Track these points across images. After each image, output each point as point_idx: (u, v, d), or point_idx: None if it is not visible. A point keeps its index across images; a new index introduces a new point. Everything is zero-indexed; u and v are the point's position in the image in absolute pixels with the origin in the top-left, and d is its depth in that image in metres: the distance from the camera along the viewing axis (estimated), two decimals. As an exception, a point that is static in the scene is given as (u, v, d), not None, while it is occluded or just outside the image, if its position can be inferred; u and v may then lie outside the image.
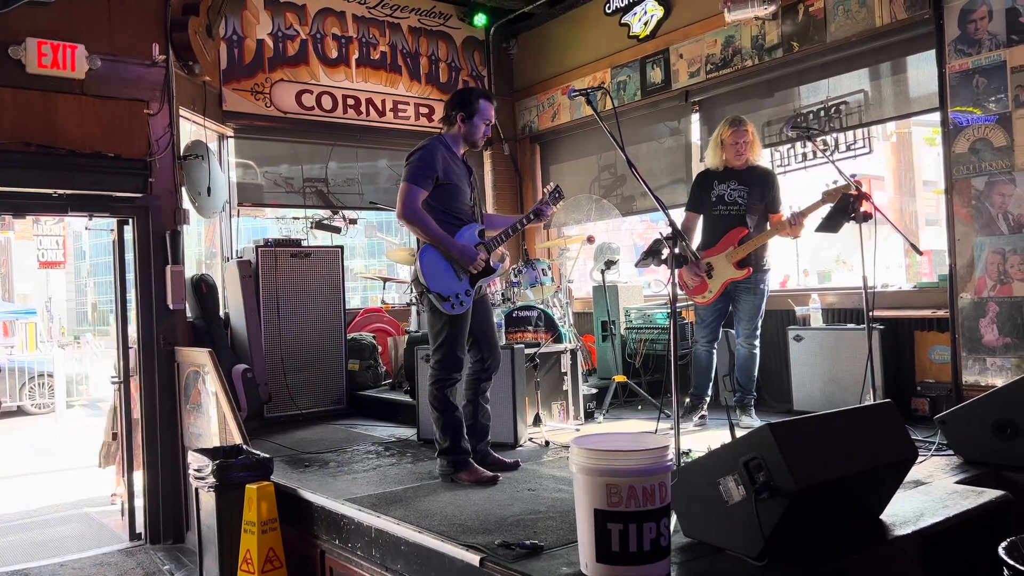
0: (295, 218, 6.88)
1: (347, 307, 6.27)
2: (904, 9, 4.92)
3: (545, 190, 4.09)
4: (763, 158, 5.03)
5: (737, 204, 4.73)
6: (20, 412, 12.30)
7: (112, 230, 5.30)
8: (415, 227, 3.68)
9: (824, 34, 5.35)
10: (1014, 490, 3.22)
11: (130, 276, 5.24)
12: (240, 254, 6.07)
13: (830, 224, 4.21)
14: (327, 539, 3.54)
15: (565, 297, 5.98)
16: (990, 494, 3.10)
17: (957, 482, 3.39)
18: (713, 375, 4.99)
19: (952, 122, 4.55)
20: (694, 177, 5.16)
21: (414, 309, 6.52)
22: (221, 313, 5.88)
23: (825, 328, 5.11)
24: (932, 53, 4.69)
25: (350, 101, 7.00)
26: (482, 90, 4.03)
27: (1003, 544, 2.31)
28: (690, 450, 3.77)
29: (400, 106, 7.27)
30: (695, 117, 6.45)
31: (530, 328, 5.53)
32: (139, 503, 5.17)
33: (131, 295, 5.24)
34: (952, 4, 4.55)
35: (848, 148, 5.39)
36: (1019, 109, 4.30)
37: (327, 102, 6.88)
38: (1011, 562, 2.23)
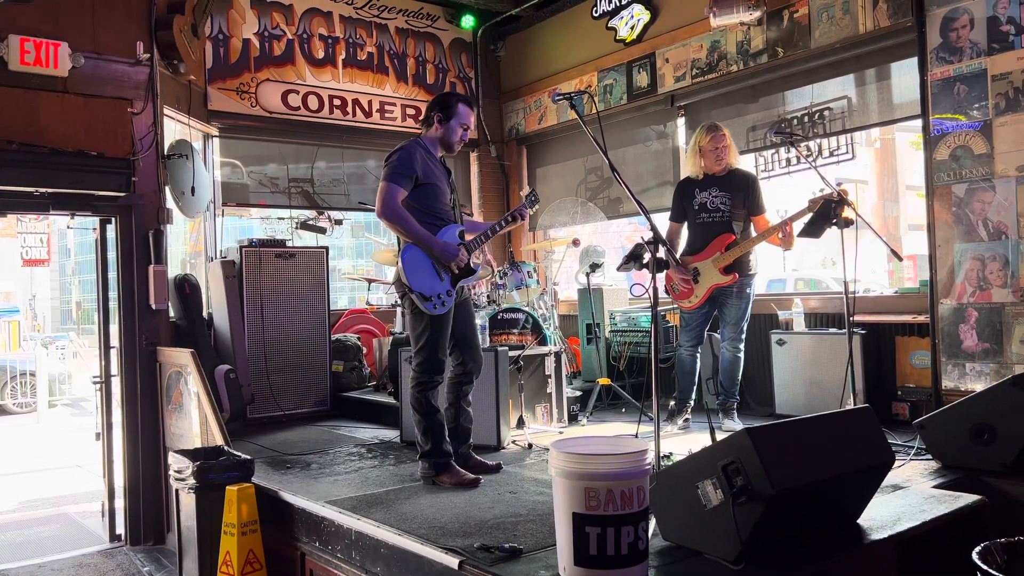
0: (280, 218, 6.86)
1: (332, 308, 6.25)
2: (887, 16, 4.96)
3: (521, 194, 4.15)
4: (743, 164, 5.06)
5: (720, 211, 4.76)
6: (1, 411, 12.19)
7: (95, 229, 5.26)
8: (395, 225, 3.68)
9: (808, 40, 5.39)
10: (991, 495, 3.25)
11: (112, 275, 5.20)
12: (224, 254, 6.05)
13: (812, 229, 4.24)
14: (307, 541, 3.53)
15: (550, 299, 5.99)
16: (967, 499, 3.12)
17: (935, 486, 3.42)
18: (697, 379, 5.01)
19: (934, 128, 4.59)
20: (676, 185, 5.17)
21: (399, 310, 6.50)
22: (204, 313, 5.86)
23: (807, 332, 5.15)
24: (915, 60, 4.73)
25: (336, 102, 6.98)
26: (463, 95, 4.05)
27: (977, 549, 2.33)
28: (671, 453, 3.77)
29: (387, 107, 7.26)
30: (681, 121, 6.47)
31: (515, 330, 5.54)
32: (119, 504, 5.13)
33: (113, 295, 5.21)
34: (934, 12, 4.59)
35: (831, 154, 5.43)
36: (999, 117, 4.34)
37: (313, 102, 6.86)
38: (984, 567, 2.25)
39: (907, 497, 3.20)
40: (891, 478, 3.22)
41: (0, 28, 4.59)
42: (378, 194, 3.69)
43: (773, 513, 2.43)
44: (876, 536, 2.75)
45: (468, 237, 3.92)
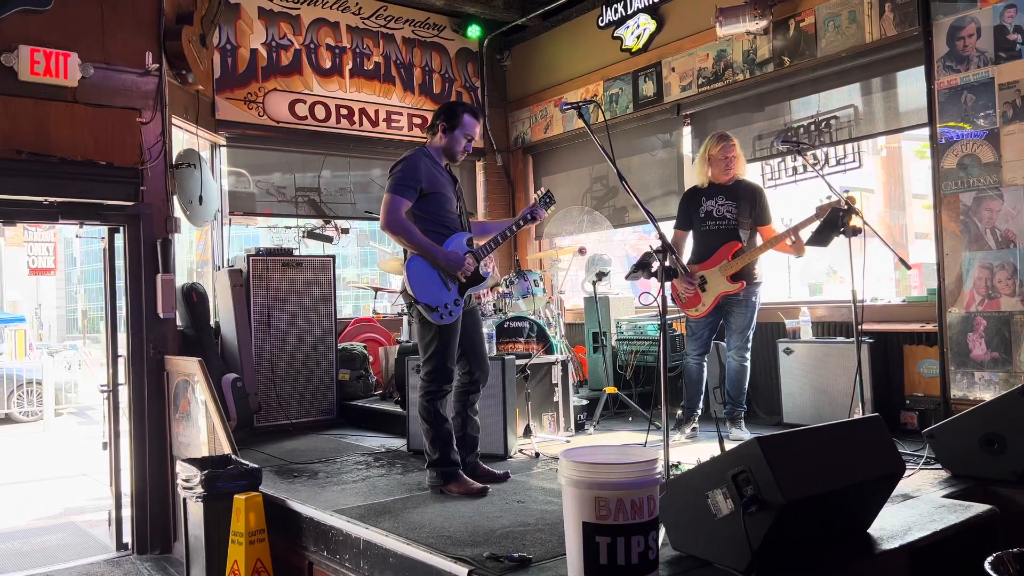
0: (287, 227, 6.87)
1: (338, 316, 6.26)
2: (894, 25, 4.97)
3: (536, 194, 4.12)
4: (749, 172, 5.06)
5: (726, 219, 4.76)
6: (8, 420, 12.22)
7: (103, 238, 5.28)
8: (399, 237, 3.69)
9: (815, 49, 5.39)
10: (1001, 504, 3.24)
11: (120, 284, 5.22)
12: (231, 263, 6.06)
13: (820, 238, 4.23)
14: (315, 550, 3.52)
15: (556, 308, 5.98)
16: (977, 508, 3.11)
17: (945, 496, 3.40)
18: (704, 387, 4.99)
19: (942, 137, 4.59)
20: (683, 193, 5.18)
21: (405, 319, 6.51)
22: (212, 322, 5.87)
23: (815, 341, 5.14)
24: (921, 69, 4.73)
25: (343, 111, 7.01)
26: (470, 106, 4.03)
27: (989, 559, 2.32)
28: (679, 463, 3.77)
29: (393, 116, 7.29)
30: (687, 130, 6.48)
31: (521, 339, 5.53)
32: (126, 513, 5.13)
33: (121, 303, 5.22)
34: (941, 21, 4.59)
35: (838, 163, 5.43)
36: (1007, 125, 4.34)
37: (320, 112, 6.89)
38: (997, 577, 2.24)
39: (918, 507, 3.18)
40: (901, 487, 3.21)
41: (10, 38, 4.62)
42: (382, 206, 3.69)
43: (784, 523, 2.42)
44: (887, 546, 2.74)
45: (480, 242, 3.92)
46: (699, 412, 4.96)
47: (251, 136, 6.62)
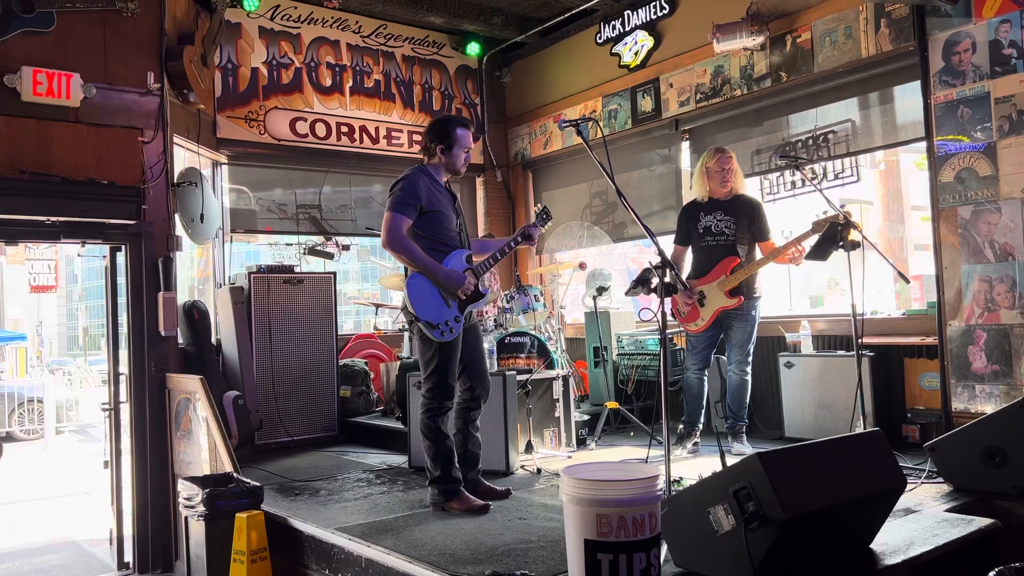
0: (288, 244, 6.90)
1: (339, 332, 6.26)
2: (889, 41, 5.00)
3: (533, 211, 4.14)
4: (748, 187, 5.08)
5: (724, 234, 4.78)
6: (9, 438, 12.19)
7: (105, 256, 5.30)
8: (400, 255, 3.71)
9: (812, 64, 5.43)
10: (1003, 518, 3.23)
11: (122, 302, 5.23)
12: (232, 280, 6.08)
13: (818, 252, 4.25)
14: (317, 569, 3.51)
15: (557, 323, 5.99)
16: (980, 522, 3.11)
17: (947, 510, 3.40)
18: (705, 402, 4.99)
19: (939, 150, 4.61)
20: (681, 208, 5.20)
21: (406, 335, 6.52)
22: (213, 339, 5.88)
23: (816, 355, 5.14)
24: (918, 84, 4.76)
25: (344, 128, 7.05)
26: (458, 118, 4.03)
27: (991, 573, 2.32)
28: (681, 478, 3.76)
29: (394, 133, 7.33)
30: (685, 145, 6.52)
31: (522, 354, 5.53)
32: (128, 531, 5.12)
33: (123, 321, 5.24)
34: (936, 36, 4.62)
35: (836, 176, 5.45)
36: (1004, 139, 4.36)
37: (321, 129, 6.93)
38: (999, 592, 2.24)
39: (920, 521, 3.18)
40: (903, 501, 3.20)
41: (13, 59, 4.66)
42: (383, 224, 3.72)
43: (785, 539, 2.42)
44: (889, 561, 2.74)
45: (477, 259, 3.93)
46: (700, 427, 4.95)
47: (252, 154, 6.65)
